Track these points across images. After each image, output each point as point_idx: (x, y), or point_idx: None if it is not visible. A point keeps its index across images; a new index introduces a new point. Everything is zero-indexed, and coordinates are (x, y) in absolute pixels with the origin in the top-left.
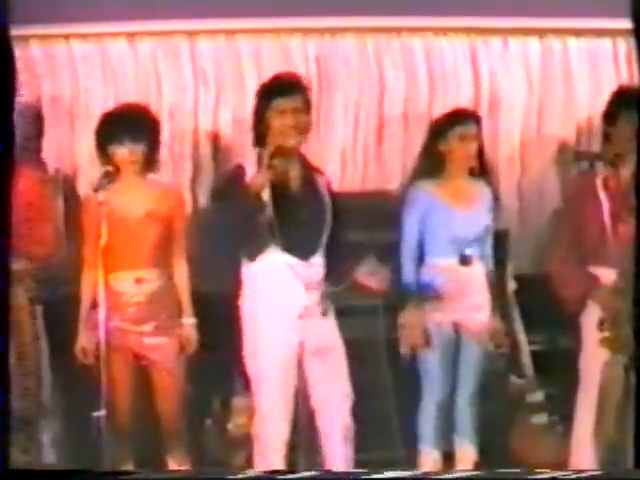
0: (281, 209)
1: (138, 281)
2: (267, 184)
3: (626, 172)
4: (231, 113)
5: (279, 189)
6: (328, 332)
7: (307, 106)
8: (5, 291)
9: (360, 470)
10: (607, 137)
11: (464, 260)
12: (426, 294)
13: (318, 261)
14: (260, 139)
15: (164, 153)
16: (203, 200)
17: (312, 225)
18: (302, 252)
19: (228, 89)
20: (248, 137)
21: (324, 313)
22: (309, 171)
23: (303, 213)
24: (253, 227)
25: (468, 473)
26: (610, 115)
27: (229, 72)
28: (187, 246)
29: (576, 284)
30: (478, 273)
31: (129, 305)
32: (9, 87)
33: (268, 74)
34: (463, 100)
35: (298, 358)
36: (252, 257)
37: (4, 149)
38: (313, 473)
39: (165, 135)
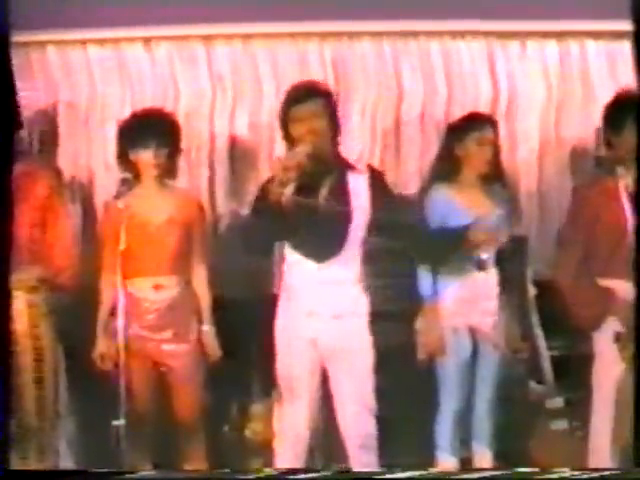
0: (306, 210)
1: (157, 287)
2: (290, 189)
3: None
4: (248, 118)
5: (305, 193)
6: (357, 333)
7: (331, 111)
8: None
9: (374, 470)
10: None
11: (480, 265)
12: (442, 299)
13: (346, 260)
14: (289, 147)
15: (181, 159)
16: (221, 205)
17: (334, 228)
18: (322, 254)
19: (245, 94)
20: (265, 143)
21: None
22: (343, 172)
23: (329, 215)
24: (279, 230)
25: (485, 473)
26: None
27: (246, 77)
28: (206, 252)
29: (591, 301)
30: (495, 278)
31: (148, 312)
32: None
33: (285, 78)
34: (481, 104)
35: (321, 360)
36: (276, 261)
37: (4, 154)
38: (327, 473)
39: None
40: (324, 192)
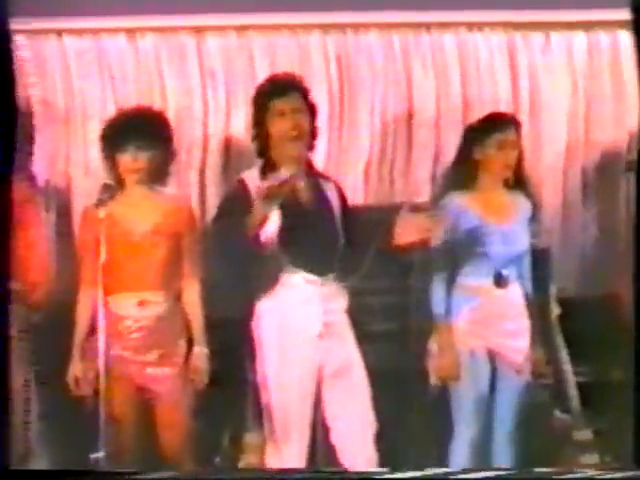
0: (290, 225)
1: (142, 304)
2: (274, 200)
3: None
4: (243, 118)
5: (287, 202)
6: (347, 352)
7: (309, 108)
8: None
9: (375, 470)
10: None
11: (500, 281)
12: (458, 318)
13: (335, 278)
14: (262, 150)
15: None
16: (212, 212)
17: (325, 241)
18: (317, 269)
19: (239, 91)
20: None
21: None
22: (318, 181)
23: (314, 228)
24: (262, 247)
25: (501, 472)
26: None
27: (241, 72)
28: (198, 266)
29: None
30: (515, 295)
31: (131, 331)
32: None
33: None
34: (500, 103)
35: (317, 382)
36: (265, 278)
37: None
38: (324, 473)
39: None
40: (306, 197)
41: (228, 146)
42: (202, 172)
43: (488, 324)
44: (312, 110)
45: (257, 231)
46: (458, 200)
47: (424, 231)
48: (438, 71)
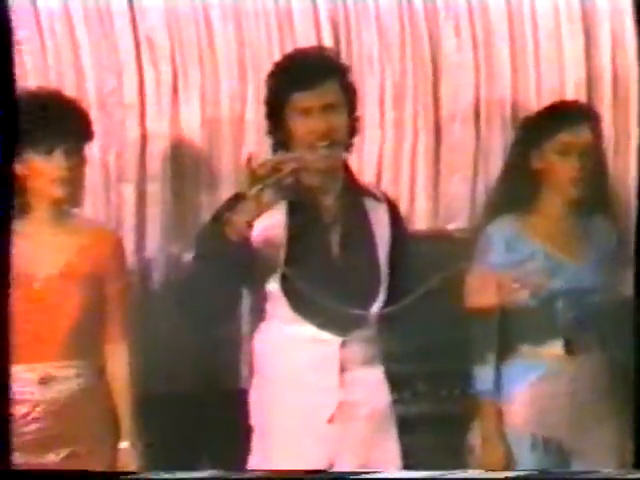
0: (303, 256)
1: (44, 381)
2: (270, 184)
3: None
4: (199, 108)
5: (303, 224)
6: (373, 443)
7: (346, 96)
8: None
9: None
10: None
11: (572, 344)
12: (511, 396)
13: (363, 337)
14: (280, 149)
15: (92, 173)
16: (153, 247)
17: (356, 282)
18: (337, 322)
19: (195, 71)
20: (229, 146)
21: None
22: (357, 196)
23: (341, 261)
24: (253, 285)
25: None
26: None
27: (196, 42)
28: (130, 322)
29: None
30: (594, 364)
31: (28, 420)
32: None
33: (258, 46)
34: (570, 88)
35: None
36: (254, 329)
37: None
38: (315, 474)
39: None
40: (333, 224)
41: (176, 150)
42: (139, 187)
43: (554, 405)
44: (351, 96)
45: (245, 234)
46: (511, 226)
47: (508, 294)
48: (479, 42)
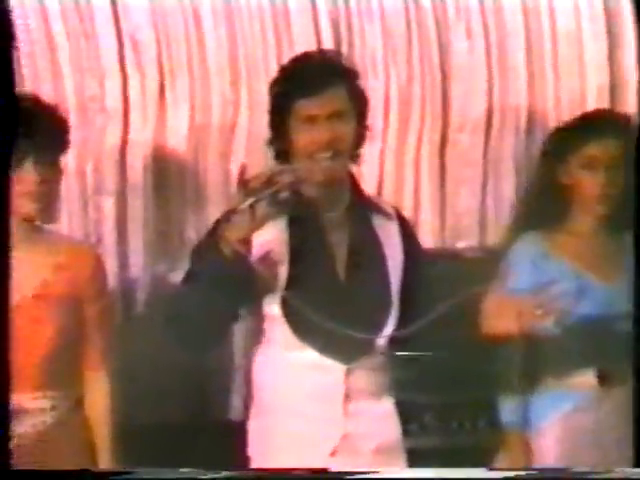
0: (305, 276)
1: (16, 414)
2: (283, 236)
3: None
4: (187, 115)
5: (305, 241)
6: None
7: (355, 103)
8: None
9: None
10: None
11: (605, 374)
12: (539, 429)
13: (370, 365)
14: (283, 159)
15: (69, 184)
16: (137, 266)
17: (362, 304)
18: (342, 348)
19: (182, 73)
20: (218, 156)
21: None
22: (364, 212)
23: (346, 284)
24: (250, 306)
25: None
26: None
27: (183, 42)
28: (111, 348)
29: None
30: (629, 398)
31: None
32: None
33: (253, 46)
34: (591, 94)
35: None
36: (251, 354)
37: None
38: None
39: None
40: (338, 242)
41: (161, 161)
42: (120, 200)
43: (587, 440)
44: (360, 103)
45: (240, 250)
46: (536, 245)
47: (529, 321)
48: (491, 44)
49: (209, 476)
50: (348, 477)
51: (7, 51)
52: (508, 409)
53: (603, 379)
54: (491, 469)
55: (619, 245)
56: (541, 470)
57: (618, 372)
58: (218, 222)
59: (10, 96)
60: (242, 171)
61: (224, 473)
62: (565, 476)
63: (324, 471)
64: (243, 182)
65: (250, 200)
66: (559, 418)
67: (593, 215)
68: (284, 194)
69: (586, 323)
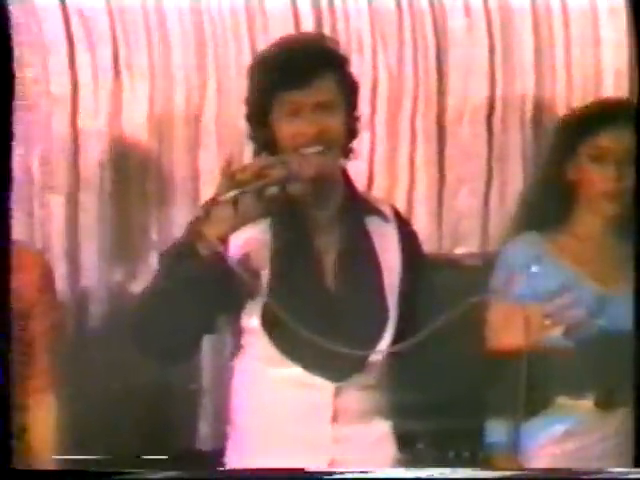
0: (289, 283)
1: None
2: (265, 237)
3: None
4: (146, 102)
5: (290, 244)
6: None
7: (345, 92)
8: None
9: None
10: None
11: (607, 397)
12: (530, 451)
13: (362, 384)
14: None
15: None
16: (92, 273)
17: (354, 317)
18: (332, 365)
19: (138, 53)
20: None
21: None
22: (358, 213)
23: (335, 293)
24: (227, 316)
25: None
26: None
27: (138, 19)
28: (60, 368)
29: None
30: (625, 420)
31: None
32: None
33: (219, 24)
34: (607, 80)
35: None
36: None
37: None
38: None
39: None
40: (328, 245)
41: (119, 152)
42: (71, 199)
43: (584, 466)
44: (350, 92)
45: (217, 250)
46: (535, 246)
47: (537, 332)
48: (493, 24)
49: (213, 476)
50: (348, 477)
51: None
52: (497, 429)
53: (602, 401)
54: (487, 469)
55: (627, 250)
56: (538, 470)
57: (619, 392)
58: (198, 216)
59: None
60: (228, 163)
61: (220, 472)
62: (563, 476)
63: (324, 471)
64: (229, 174)
65: (235, 191)
66: (552, 441)
67: (600, 215)
68: (273, 189)
69: (587, 338)
